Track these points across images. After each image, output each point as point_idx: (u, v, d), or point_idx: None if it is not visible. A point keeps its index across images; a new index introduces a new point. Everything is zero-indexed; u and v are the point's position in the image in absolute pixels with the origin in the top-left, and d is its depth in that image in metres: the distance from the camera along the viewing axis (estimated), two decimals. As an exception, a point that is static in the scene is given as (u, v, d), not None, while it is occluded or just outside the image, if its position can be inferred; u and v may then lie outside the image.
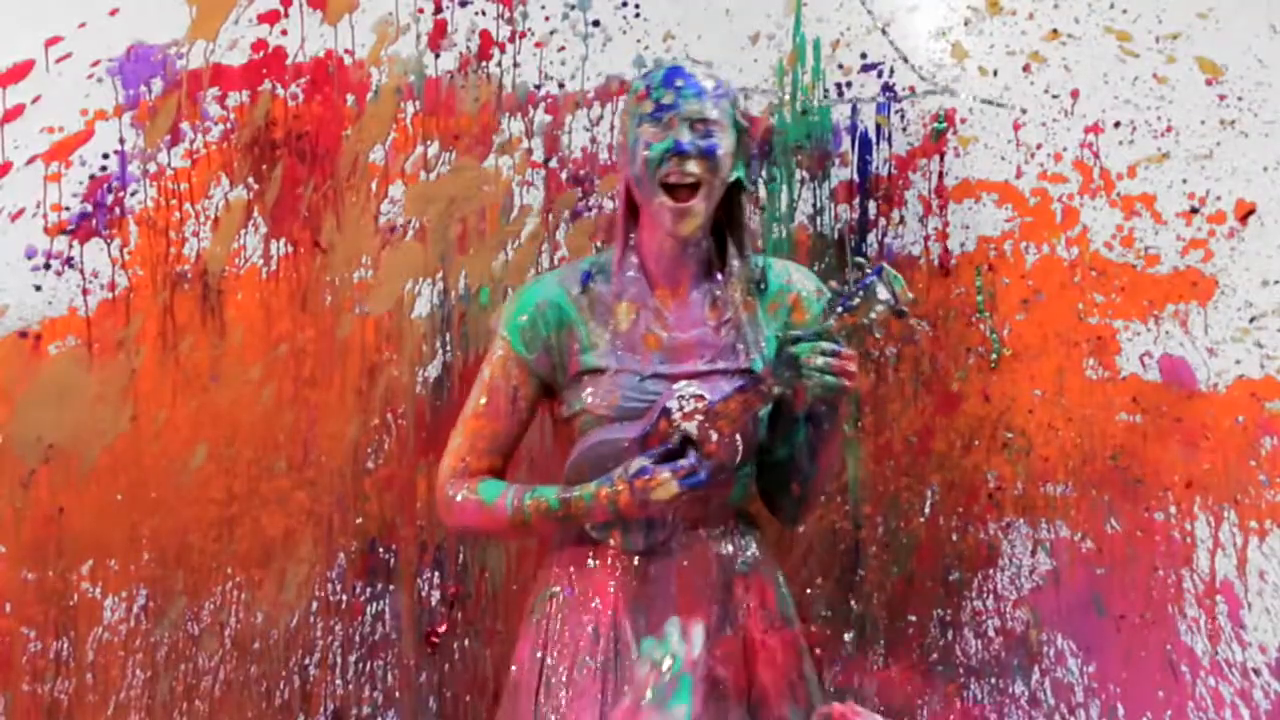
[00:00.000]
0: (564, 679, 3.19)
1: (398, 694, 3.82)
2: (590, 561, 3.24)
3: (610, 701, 3.15)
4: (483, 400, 3.28)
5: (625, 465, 3.12)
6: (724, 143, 3.18)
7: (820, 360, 3.07)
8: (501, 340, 3.29)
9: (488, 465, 3.28)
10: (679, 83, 3.19)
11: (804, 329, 3.13)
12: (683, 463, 3.10)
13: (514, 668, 3.30)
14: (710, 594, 3.22)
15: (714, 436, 3.13)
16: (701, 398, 3.14)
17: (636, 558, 3.21)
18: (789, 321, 3.29)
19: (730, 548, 3.26)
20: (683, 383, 3.18)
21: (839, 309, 3.10)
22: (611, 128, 3.84)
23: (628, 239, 3.27)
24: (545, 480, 3.28)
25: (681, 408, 3.14)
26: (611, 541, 3.20)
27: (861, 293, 3.09)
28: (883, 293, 3.08)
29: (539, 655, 3.23)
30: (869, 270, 3.11)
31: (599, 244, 3.81)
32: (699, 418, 3.13)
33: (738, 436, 3.14)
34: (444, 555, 3.82)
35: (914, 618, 3.87)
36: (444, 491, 3.28)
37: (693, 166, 3.15)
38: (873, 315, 3.09)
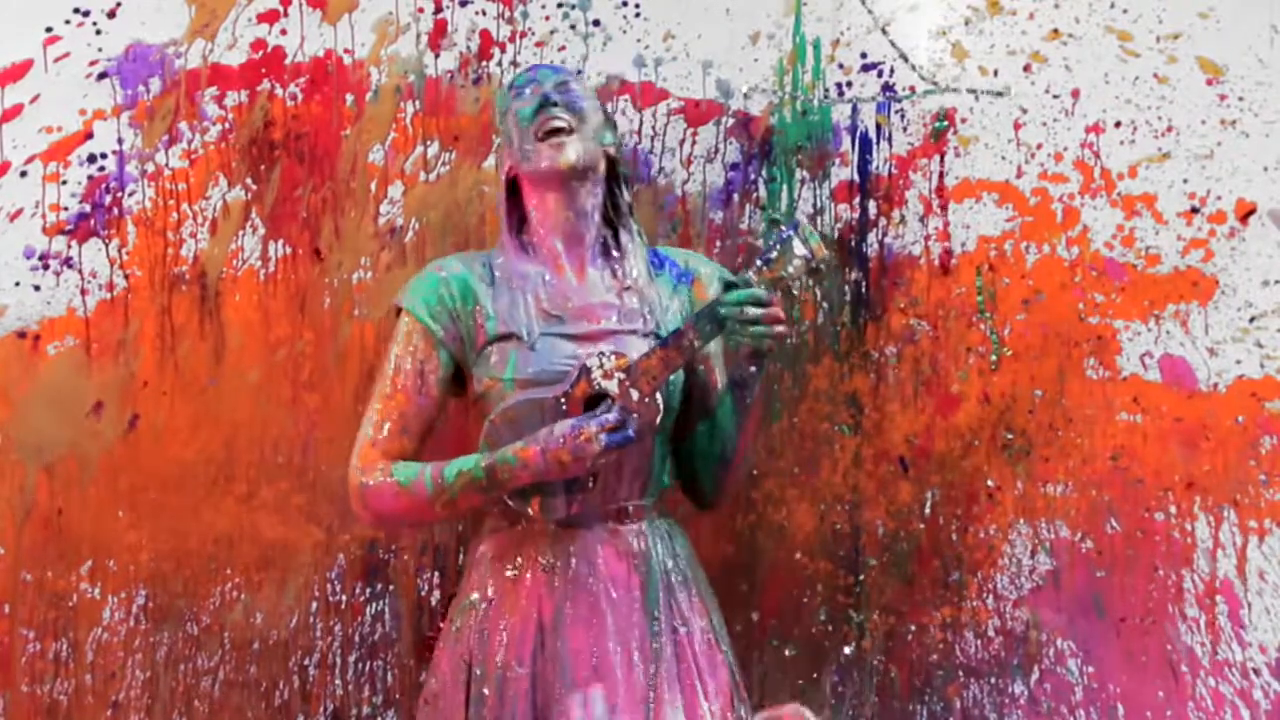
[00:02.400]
0: (494, 687, 3.17)
1: (397, 695, 3.82)
2: (509, 570, 3.21)
3: (542, 704, 3.14)
4: (389, 381, 3.24)
5: (549, 426, 3.10)
6: (588, 101, 3.28)
7: (752, 312, 3.10)
8: (405, 316, 3.25)
9: (399, 448, 3.22)
10: (536, 67, 3.34)
11: (727, 282, 3.20)
12: (608, 416, 3.08)
13: (432, 680, 3.27)
14: (637, 594, 3.20)
15: (635, 395, 3.12)
16: (622, 356, 3.14)
17: (556, 555, 3.19)
18: (691, 296, 3.33)
19: (653, 541, 3.25)
20: (601, 345, 3.19)
21: (757, 263, 3.13)
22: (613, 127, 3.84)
23: (514, 229, 3.31)
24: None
25: (602, 364, 3.13)
26: (530, 510, 3.15)
27: (779, 247, 3.12)
28: (799, 248, 3.12)
29: (465, 665, 3.21)
30: (785, 226, 3.15)
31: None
32: (619, 375, 3.12)
33: (659, 394, 3.13)
34: (443, 556, 3.82)
35: (913, 618, 3.87)
36: (355, 481, 3.22)
37: (561, 113, 3.22)
38: (790, 269, 3.12)
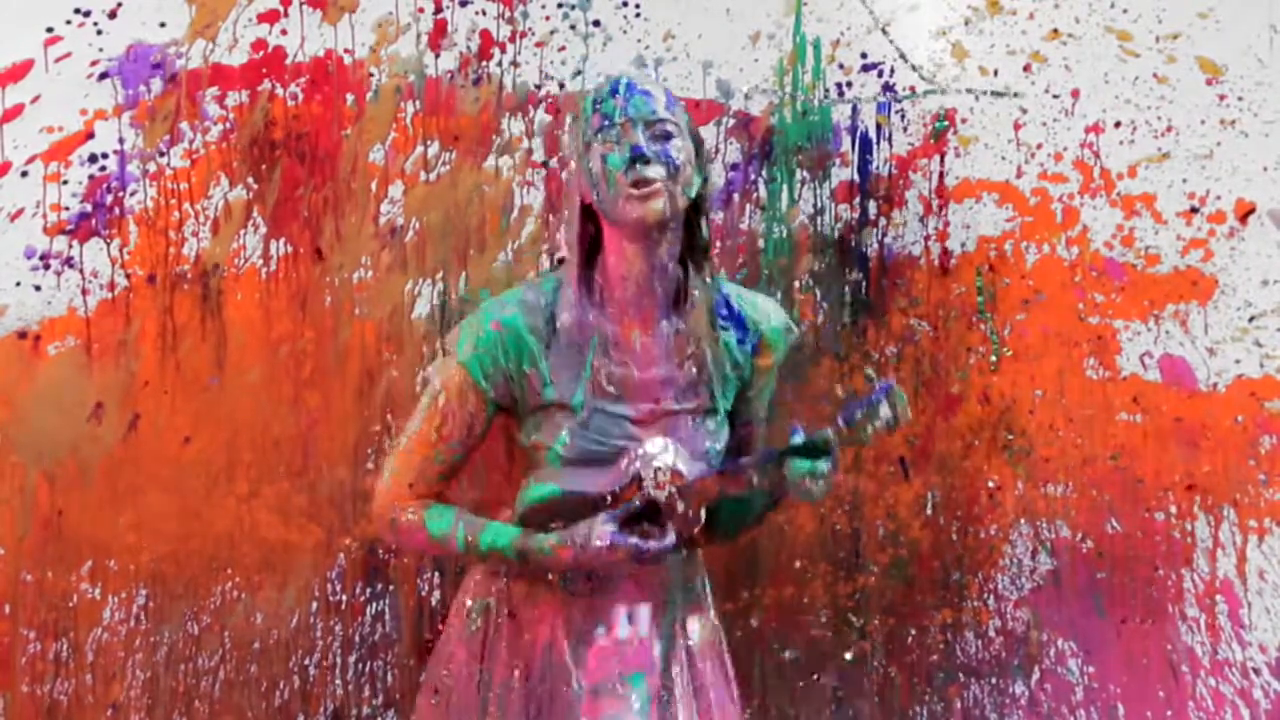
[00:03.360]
0: (500, 695, 3.16)
1: (398, 695, 3.82)
2: (525, 582, 3.19)
3: (553, 711, 3.14)
4: (437, 425, 3.16)
5: (590, 525, 3.05)
6: (682, 148, 3.09)
7: (815, 486, 3.03)
8: (458, 368, 3.15)
9: (436, 491, 3.18)
10: (623, 89, 3.10)
11: (804, 439, 3.05)
12: (652, 544, 3.04)
13: (443, 671, 3.24)
14: (649, 610, 3.20)
15: (681, 507, 3.08)
16: (680, 475, 3.08)
17: (571, 574, 3.16)
18: (753, 362, 3.24)
19: (673, 572, 3.23)
20: (657, 445, 3.12)
21: (840, 423, 3.04)
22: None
23: (584, 271, 3.15)
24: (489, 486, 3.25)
25: (656, 479, 3.09)
26: (550, 576, 3.15)
27: (866, 410, 3.03)
28: (885, 411, 3.02)
29: (479, 669, 3.19)
30: (877, 386, 3.06)
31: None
32: (672, 489, 3.08)
33: (703, 511, 3.10)
34: (443, 557, 3.81)
35: (914, 619, 3.87)
36: (385, 510, 3.17)
37: (654, 171, 3.05)
38: (870, 431, 3.03)
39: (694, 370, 3.18)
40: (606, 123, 3.07)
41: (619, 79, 3.12)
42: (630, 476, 3.10)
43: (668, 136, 3.08)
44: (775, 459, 3.05)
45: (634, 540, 3.03)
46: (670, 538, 3.05)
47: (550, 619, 3.16)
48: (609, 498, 3.10)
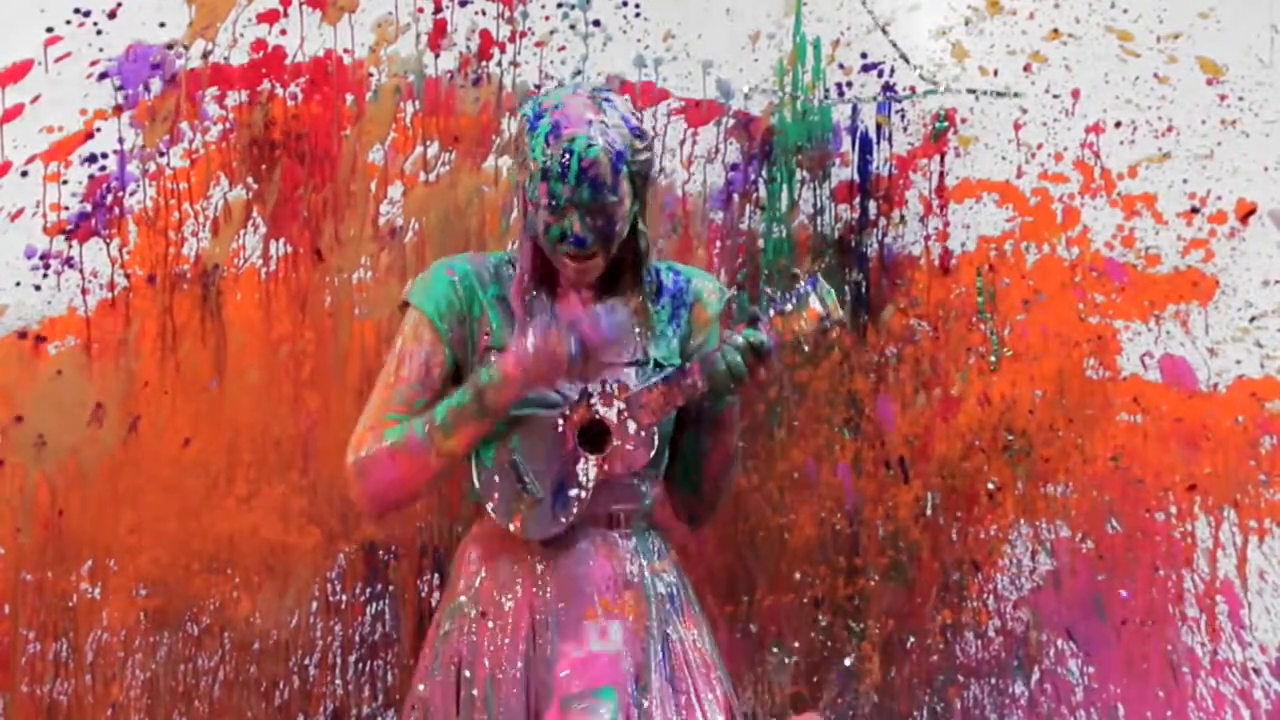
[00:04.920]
0: (485, 690, 3.16)
1: (397, 695, 3.82)
2: (500, 574, 3.18)
3: (534, 709, 3.14)
4: (393, 371, 3.17)
5: (524, 341, 3.05)
6: (621, 213, 3.10)
7: (748, 359, 3.05)
8: (414, 311, 3.18)
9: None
10: (573, 174, 3.06)
11: (741, 336, 3.08)
12: (600, 315, 3.04)
13: (420, 685, 3.21)
14: (629, 599, 3.18)
15: (632, 427, 3.10)
16: (624, 386, 3.11)
17: (545, 560, 3.16)
18: (690, 319, 3.26)
19: (643, 548, 3.22)
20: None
21: (770, 310, 3.05)
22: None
23: (536, 270, 3.20)
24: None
25: (604, 390, 3.10)
26: (512, 527, 3.12)
27: (795, 300, 3.04)
28: (815, 304, 3.03)
29: (454, 669, 3.18)
30: (804, 280, 3.07)
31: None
32: (619, 405, 3.10)
33: (655, 429, 3.11)
34: (444, 557, 3.81)
35: (914, 619, 3.87)
36: (350, 461, 3.15)
37: (590, 246, 3.09)
38: (803, 324, 3.04)
39: (630, 324, 3.19)
40: (552, 201, 3.07)
41: (573, 145, 3.06)
42: (579, 395, 3.11)
43: (608, 211, 3.09)
44: (714, 358, 3.06)
45: (566, 326, 3.04)
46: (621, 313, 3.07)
47: (527, 604, 3.16)
48: (560, 421, 3.10)
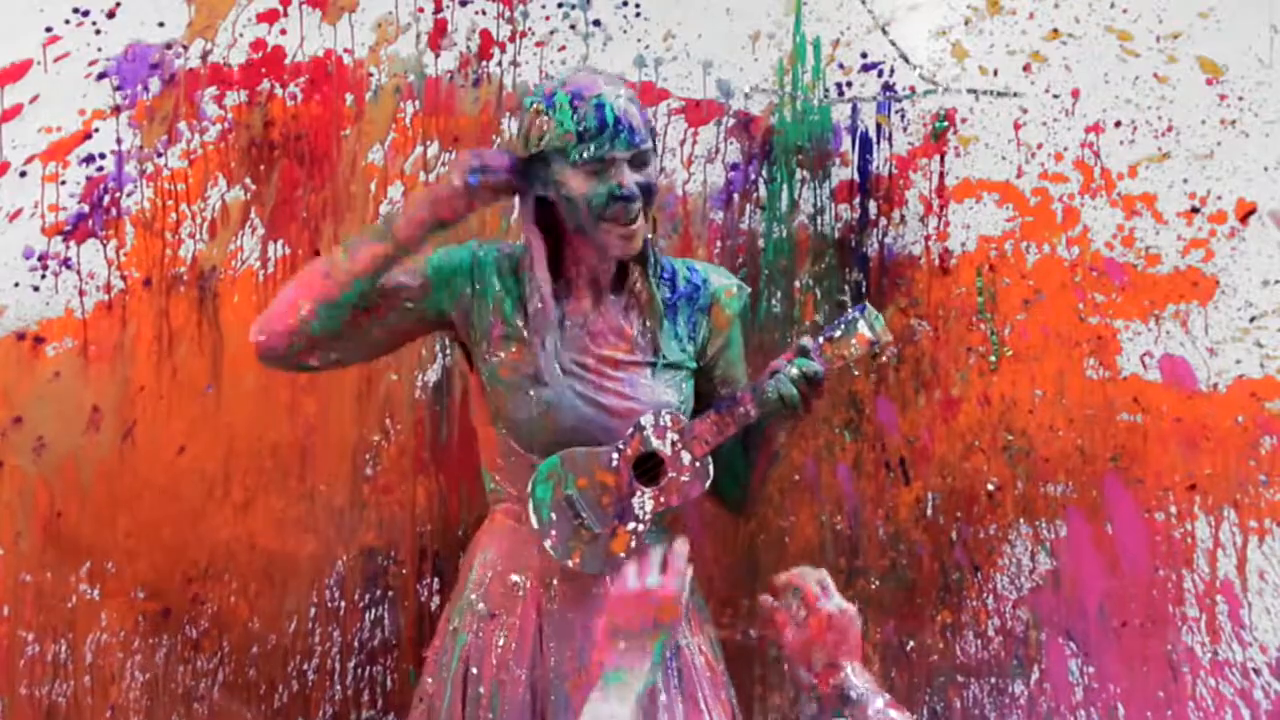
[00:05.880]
0: (491, 688, 3.16)
1: (397, 700, 3.81)
2: (511, 575, 3.20)
3: (540, 708, 3.14)
4: None
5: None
6: (655, 168, 3.18)
7: (802, 389, 3.11)
8: (420, 259, 3.22)
9: None
10: (611, 124, 3.10)
11: (792, 364, 3.14)
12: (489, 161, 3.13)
13: (428, 679, 3.25)
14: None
15: (687, 458, 3.14)
16: (678, 419, 3.14)
17: (554, 563, 3.17)
18: (709, 322, 3.29)
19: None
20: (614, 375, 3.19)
21: (820, 338, 3.15)
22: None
23: (546, 259, 3.21)
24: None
25: (658, 423, 3.14)
26: (571, 563, 3.15)
27: (844, 326, 3.15)
28: (865, 330, 3.15)
29: (463, 664, 3.19)
30: (853, 307, 3.18)
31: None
32: (673, 436, 3.14)
33: (709, 459, 3.15)
34: (443, 562, 3.81)
35: (914, 619, 3.87)
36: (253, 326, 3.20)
37: (635, 206, 3.12)
38: (852, 349, 3.15)
39: (643, 323, 3.23)
40: (595, 159, 3.09)
41: (601, 99, 3.11)
42: (633, 428, 3.14)
43: (645, 162, 3.14)
44: (768, 387, 3.13)
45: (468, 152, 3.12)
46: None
47: (536, 604, 3.16)
48: (614, 454, 3.13)
